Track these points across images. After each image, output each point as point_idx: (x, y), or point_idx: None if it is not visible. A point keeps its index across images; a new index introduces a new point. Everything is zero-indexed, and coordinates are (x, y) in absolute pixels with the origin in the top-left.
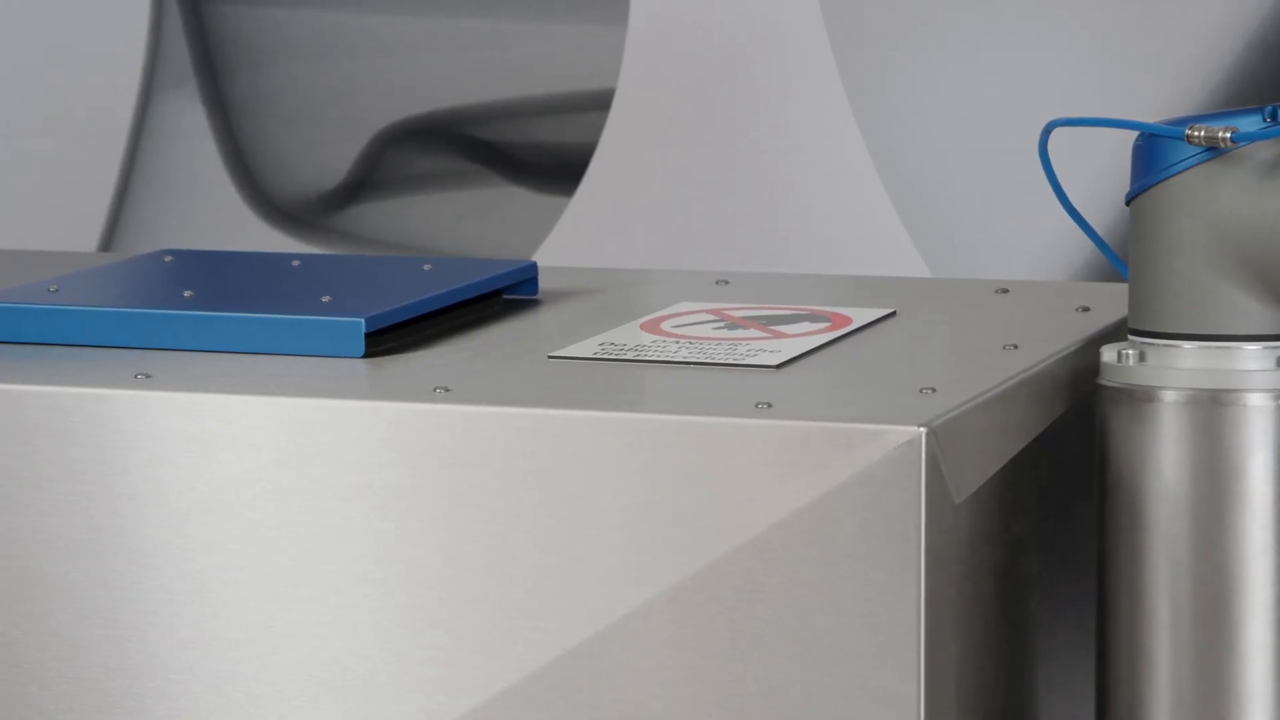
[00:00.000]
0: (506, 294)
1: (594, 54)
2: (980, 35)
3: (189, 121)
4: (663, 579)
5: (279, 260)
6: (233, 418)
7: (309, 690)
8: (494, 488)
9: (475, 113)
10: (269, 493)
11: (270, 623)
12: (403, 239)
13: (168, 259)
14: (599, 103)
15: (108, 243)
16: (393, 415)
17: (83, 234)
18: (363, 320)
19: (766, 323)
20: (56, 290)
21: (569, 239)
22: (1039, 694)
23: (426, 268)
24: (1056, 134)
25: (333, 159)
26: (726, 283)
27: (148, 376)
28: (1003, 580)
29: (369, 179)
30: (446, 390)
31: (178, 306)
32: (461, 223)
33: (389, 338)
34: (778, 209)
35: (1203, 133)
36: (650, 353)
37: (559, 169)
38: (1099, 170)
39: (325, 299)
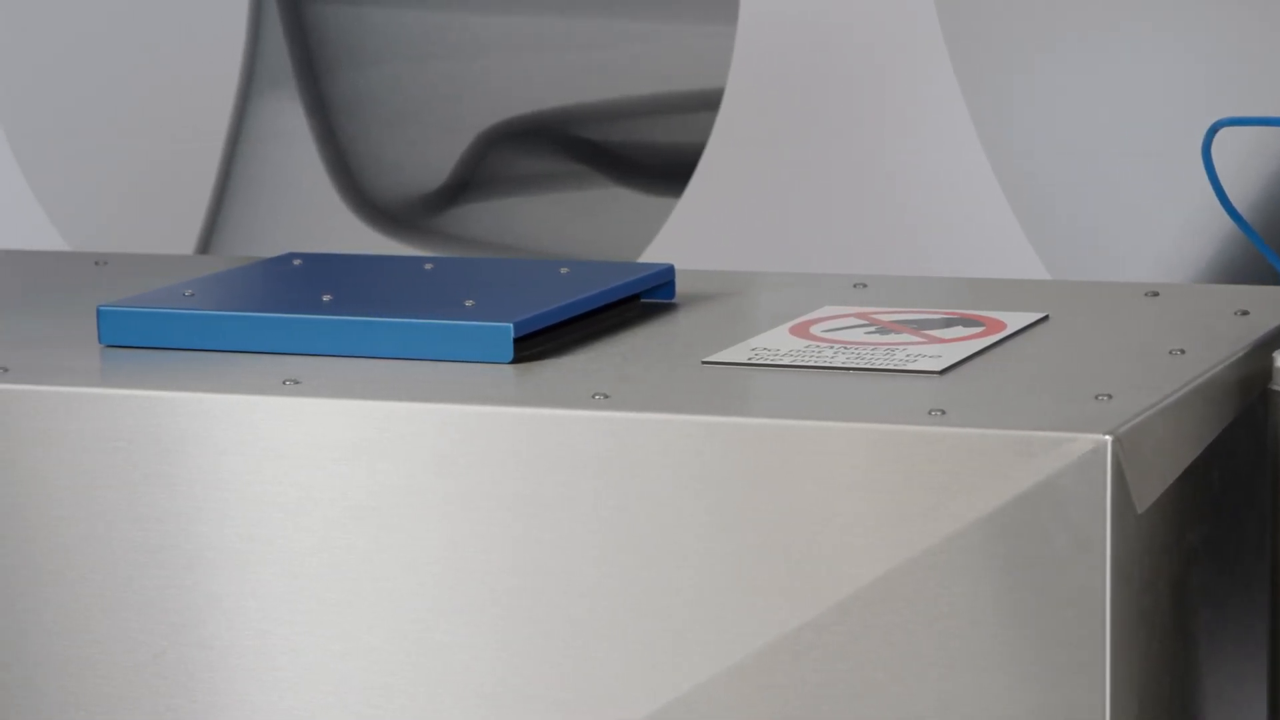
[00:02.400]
0: (644, 297)
1: (703, 53)
2: (1095, 35)
3: (288, 123)
4: (835, 591)
5: (410, 264)
6: (388, 424)
7: (465, 702)
8: (657, 496)
9: (581, 113)
10: (425, 501)
11: (426, 634)
12: (507, 241)
13: (296, 262)
14: (708, 103)
15: (205, 245)
16: (552, 422)
17: (181, 236)
18: (511, 325)
19: (918, 327)
20: (192, 295)
21: (676, 241)
22: (1209, 706)
23: (564, 271)
24: (1151, 130)
25: (435, 160)
26: (865, 285)
27: (296, 382)
28: (1178, 591)
29: (472, 180)
30: (605, 397)
31: (320, 311)
32: (567, 224)
33: (534, 342)
34: (890, 210)
35: None
36: (806, 358)
37: (666, 170)
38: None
39: (468, 303)
